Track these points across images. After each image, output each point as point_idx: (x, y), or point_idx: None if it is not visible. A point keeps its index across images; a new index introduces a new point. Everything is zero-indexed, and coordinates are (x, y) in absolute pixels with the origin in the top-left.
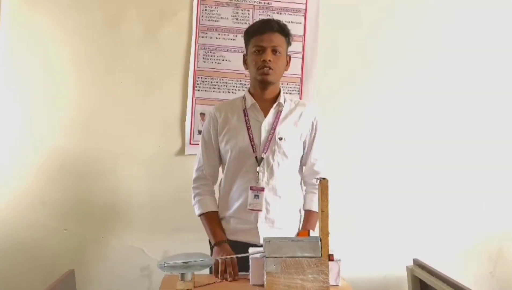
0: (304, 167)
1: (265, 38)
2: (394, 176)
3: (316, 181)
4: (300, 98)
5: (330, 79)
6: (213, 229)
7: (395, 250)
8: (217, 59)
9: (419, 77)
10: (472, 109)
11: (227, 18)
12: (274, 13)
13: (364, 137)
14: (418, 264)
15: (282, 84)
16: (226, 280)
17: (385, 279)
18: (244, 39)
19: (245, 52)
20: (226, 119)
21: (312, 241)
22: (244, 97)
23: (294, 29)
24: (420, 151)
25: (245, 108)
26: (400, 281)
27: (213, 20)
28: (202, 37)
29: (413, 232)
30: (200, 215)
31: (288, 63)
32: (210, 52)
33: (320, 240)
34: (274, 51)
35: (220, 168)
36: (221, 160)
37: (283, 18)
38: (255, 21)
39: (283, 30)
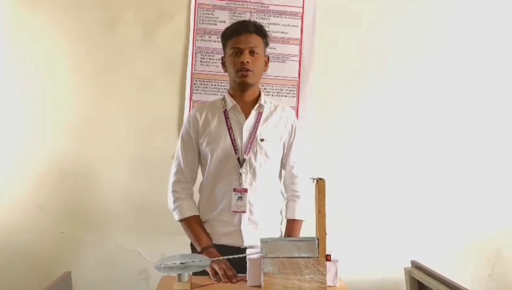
0: (283, 171)
1: (242, 40)
2: (392, 177)
3: (313, 181)
4: (298, 101)
5: (328, 82)
6: (198, 235)
7: (393, 251)
8: (214, 62)
9: (418, 78)
10: (473, 109)
11: (224, 22)
12: (271, 16)
13: (361, 140)
14: (416, 265)
15: (281, 87)
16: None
17: (383, 281)
18: (222, 41)
19: (223, 55)
20: (207, 120)
21: (310, 241)
22: (224, 99)
23: (291, 32)
24: (419, 152)
25: (226, 109)
26: (398, 283)
27: (210, 23)
28: (200, 40)
29: (411, 233)
30: (180, 221)
31: (266, 63)
32: (207, 55)
33: (317, 240)
34: (252, 52)
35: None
36: (200, 163)
37: (280, 21)
38: None
39: (259, 30)
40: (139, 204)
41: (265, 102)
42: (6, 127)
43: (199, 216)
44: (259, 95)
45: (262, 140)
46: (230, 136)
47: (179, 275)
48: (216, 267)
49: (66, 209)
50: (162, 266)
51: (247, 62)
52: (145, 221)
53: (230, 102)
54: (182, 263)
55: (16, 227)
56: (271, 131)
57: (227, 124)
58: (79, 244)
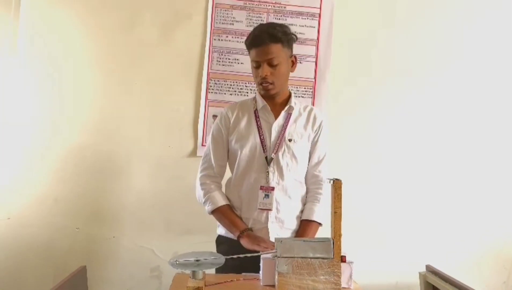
0: (306, 169)
1: (259, 52)
2: (408, 181)
3: (329, 182)
4: (313, 102)
5: (343, 83)
6: (233, 220)
7: (408, 255)
8: (230, 62)
9: (436, 81)
10: (489, 118)
11: (242, 22)
12: (288, 17)
13: (377, 142)
14: (431, 270)
15: (296, 87)
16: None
17: (396, 285)
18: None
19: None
20: (238, 119)
21: (325, 242)
22: (254, 99)
23: (308, 33)
24: (435, 157)
25: (256, 109)
26: (412, 287)
27: (227, 23)
28: (216, 39)
29: (426, 238)
30: (213, 211)
31: (293, 64)
32: (224, 54)
33: (333, 241)
34: (270, 64)
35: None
36: (228, 160)
37: (297, 22)
38: None
39: (275, 38)
40: (153, 202)
41: (295, 103)
42: (24, 122)
43: (229, 205)
44: (290, 96)
45: (290, 140)
46: (259, 134)
47: (193, 272)
48: (256, 248)
49: (81, 205)
50: (177, 262)
51: (266, 75)
52: (159, 219)
53: (261, 102)
54: (196, 260)
55: (31, 221)
56: (299, 132)
57: (256, 123)
58: (93, 240)
